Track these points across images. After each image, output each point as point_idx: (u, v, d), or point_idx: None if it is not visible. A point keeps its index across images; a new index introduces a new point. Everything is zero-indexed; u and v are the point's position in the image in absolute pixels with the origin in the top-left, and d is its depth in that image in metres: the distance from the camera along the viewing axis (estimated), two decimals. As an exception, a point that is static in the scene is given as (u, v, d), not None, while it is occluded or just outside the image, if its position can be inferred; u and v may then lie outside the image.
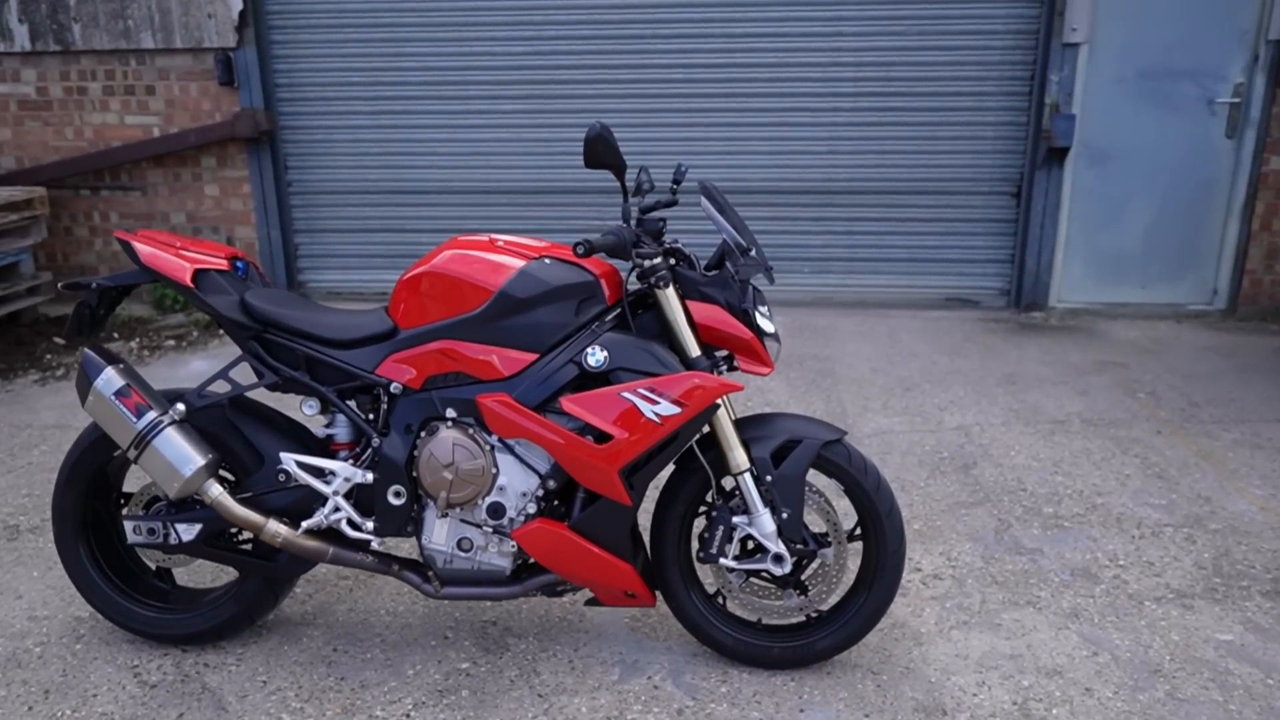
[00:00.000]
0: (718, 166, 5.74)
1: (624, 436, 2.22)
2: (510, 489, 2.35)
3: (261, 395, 3.46)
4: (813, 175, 5.71)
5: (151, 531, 2.47)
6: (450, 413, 2.35)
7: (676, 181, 2.50)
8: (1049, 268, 5.58)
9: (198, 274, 2.42)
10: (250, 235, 5.91)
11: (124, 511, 2.57)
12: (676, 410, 2.22)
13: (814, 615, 2.51)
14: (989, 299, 5.78)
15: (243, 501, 2.43)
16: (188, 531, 2.46)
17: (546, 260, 2.33)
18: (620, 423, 2.22)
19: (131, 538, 2.48)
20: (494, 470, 2.34)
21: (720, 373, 2.38)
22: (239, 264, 2.55)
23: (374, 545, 2.46)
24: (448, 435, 2.35)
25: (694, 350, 2.32)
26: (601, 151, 2.14)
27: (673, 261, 2.36)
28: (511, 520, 2.36)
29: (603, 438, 2.24)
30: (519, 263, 2.32)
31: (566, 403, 2.24)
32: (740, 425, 2.42)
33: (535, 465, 2.35)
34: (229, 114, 5.66)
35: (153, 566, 2.69)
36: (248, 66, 5.59)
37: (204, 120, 5.71)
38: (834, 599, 2.53)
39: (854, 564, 2.63)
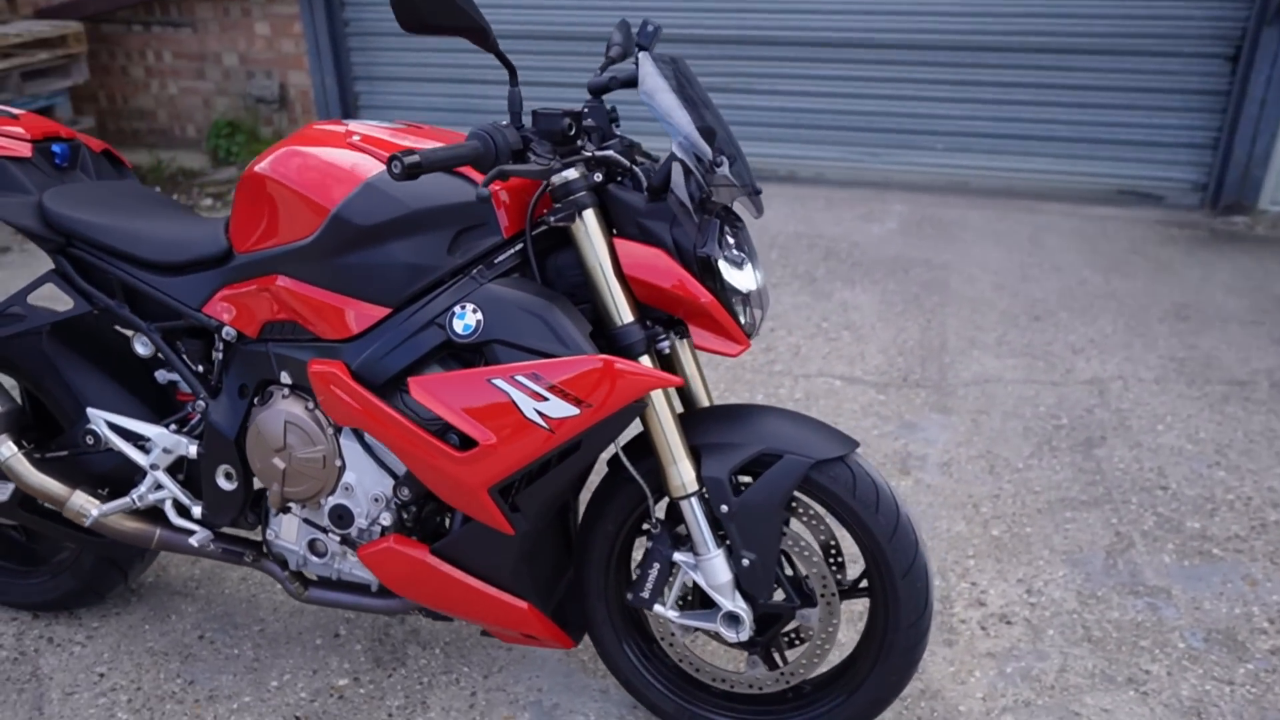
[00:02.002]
0: (836, 14, 4.63)
1: (492, 442, 1.49)
2: (359, 491, 1.69)
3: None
4: (957, 26, 4.52)
5: (-37, 485, 1.98)
6: (285, 378, 1.69)
7: (641, 46, 1.66)
8: (1264, 158, 4.26)
9: (-23, 163, 1.80)
10: (304, 82, 5.32)
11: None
12: (572, 411, 1.46)
13: (793, 687, 1.78)
14: (1177, 195, 4.53)
15: (50, 464, 1.88)
16: (1, 490, 1.96)
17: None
18: (488, 422, 1.49)
19: (-54, 488, 2.00)
20: (338, 463, 1.68)
21: (664, 351, 1.59)
22: (57, 147, 1.92)
23: (201, 536, 1.86)
24: (281, 409, 1.69)
25: (622, 315, 1.54)
26: (423, 7, 1.31)
27: (599, 177, 1.55)
28: (361, 531, 1.71)
29: (471, 443, 1.52)
30: (369, 170, 1.57)
31: (416, 385, 1.52)
32: (694, 422, 1.64)
33: (391, 464, 1.67)
34: (275, -61, 4.99)
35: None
36: (293, -119, 4.85)
37: (251, -54, 5.06)
38: (822, 668, 1.78)
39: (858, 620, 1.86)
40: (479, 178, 1.56)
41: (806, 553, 1.64)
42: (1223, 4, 4.19)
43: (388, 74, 5.35)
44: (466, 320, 1.52)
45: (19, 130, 1.87)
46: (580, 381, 1.45)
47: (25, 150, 1.85)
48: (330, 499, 1.70)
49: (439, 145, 1.39)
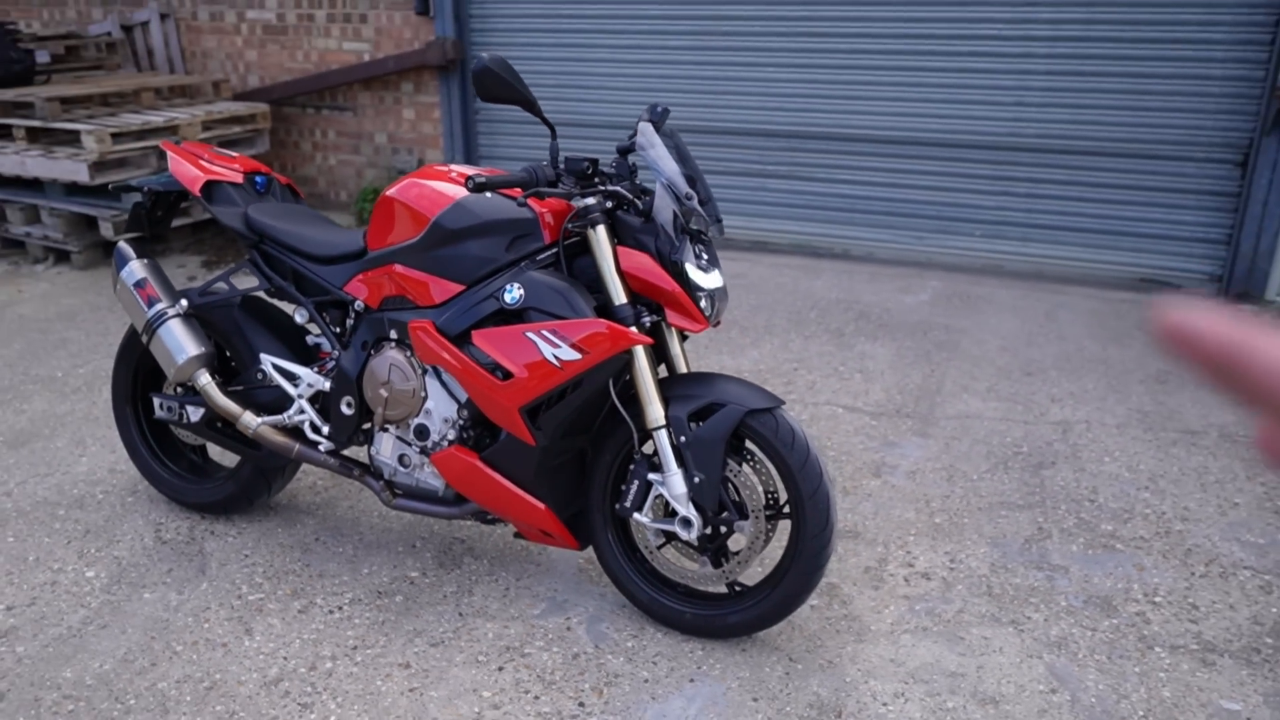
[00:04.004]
0: (887, 115, 5.34)
1: (524, 376, 2.22)
2: (436, 413, 2.43)
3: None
4: (995, 129, 5.17)
5: (169, 409, 2.82)
6: (393, 334, 2.46)
7: (652, 120, 2.41)
8: (1269, 253, 4.70)
9: (210, 184, 2.68)
10: (438, 159, 6.33)
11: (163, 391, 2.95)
12: (577, 356, 2.18)
13: (738, 588, 2.40)
14: (1194, 285, 4.98)
15: (231, 393, 2.70)
16: (195, 413, 2.78)
17: (489, 194, 2.35)
18: (521, 362, 2.22)
19: (157, 412, 2.85)
20: (423, 394, 2.43)
21: (644, 326, 2.29)
22: (259, 178, 2.79)
23: (325, 447, 2.63)
24: (389, 355, 2.46)
25: (618, 298, 2.25)
26: (490, 85, 2.11)
27: (610, 205, 2.29)
28: (435, 444, 2.45)
29: (509, 375, 2.25)
30: (459, 193, 2.35)
31: (477, 336, 2.27)
32: (671, 382, 2.33)
33: (457, 394, 2.41)
34: (424, 43, 6.06)
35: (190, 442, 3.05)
36: (442, -2, 5.93)
37: (405, 48, 6.15)
38: (759, 575, 2.39)
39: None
40: (532, 202, 2.32)
41: (745, 481, 2.28)
42: (1232, 116, 4.71)
43: (507, 155, 6.32)
44: (514, 294, 2.26)
45: (236, 166, 2.75)
46: (583, 336, 2.17)
47: (238, 178, 2.72)
48: (415, 420, 2.45)
49: (502, 173, 2.16)
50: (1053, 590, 2.61)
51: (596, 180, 2.28)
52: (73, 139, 5.28)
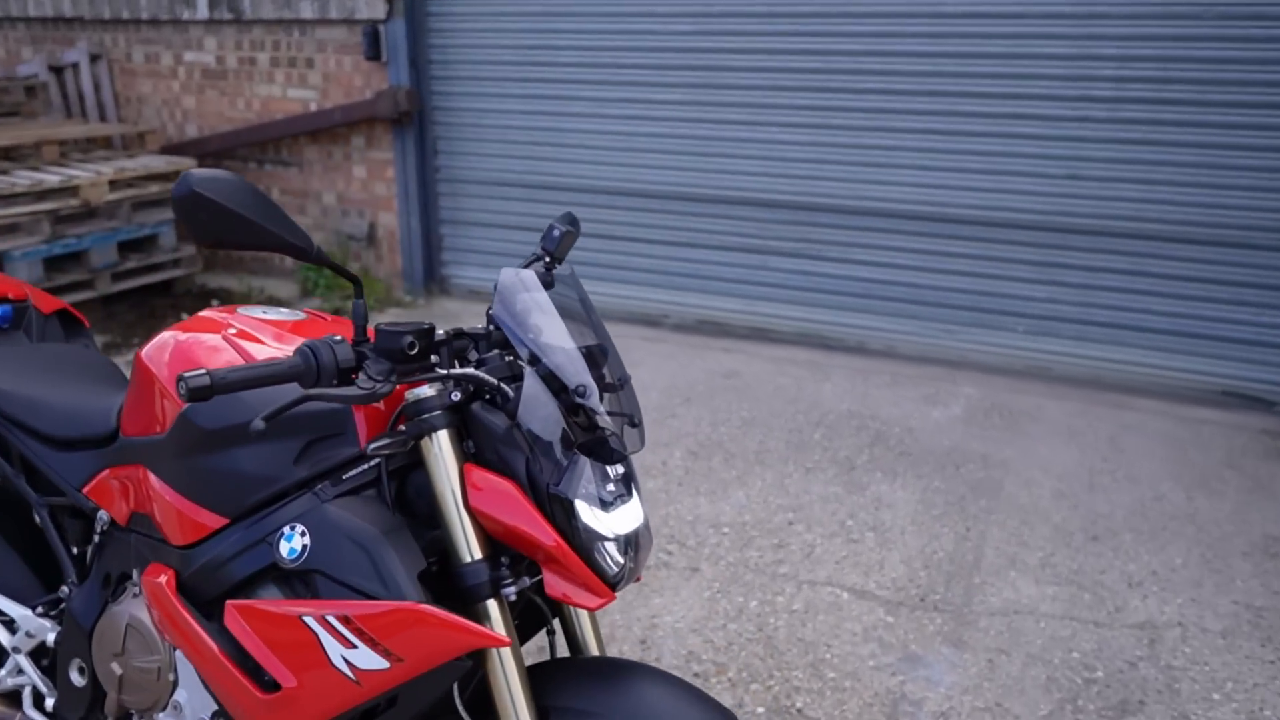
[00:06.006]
0: (914, 185, 4.46)
1: (293, 685, 1.33)
2: (188, 712, 1.54)
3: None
4: (1044, 206, 4.27)
5: None
6: (136, 575, 1.59)
7: (550, 257, 1.56)
8: (1392, 371, 3.76)
9: (-88, 323, 1.83)
10: (392, 223, 5.51)
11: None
12: (382, 665, 1.28)
13: None
14: (1290, 401, 4.04)
15: (-70, 632, 1.83)
16: (-107, 650, 1.91)
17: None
18: (294, 663, 1.33)
19: None
20: (172, 678, 1.55)
21: (507, 598, 1.40)
22: (5, 310, 1.94)
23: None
24: (125, 609, 1.58)
25: (471, 551, 1.36)
26: (201, 219, 1.23)
27: (457, 396, 1.40)
28: (189, 756, 1.56)
29: (277, 685, 1.36)
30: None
31: (230, 609, 1.38)
32: (560, 678, 1.43)
33: (217, 685, 1.52)
34: (375, 91, 5.26)
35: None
36: (396, 41, 5.14)
37: (356, 96, 5.36)
38: None
39: None
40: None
41: None
42: (1341, 199, 3.80)
43: (471, 219, 5.49)
44: (294, 544, 1.37)
45: (-31, 294, 1.91)
46: (389, 630, 1.28)
47: (-38, 313, 1.87)
48: (161, 715, 1.56)
49: (256, 362, 1.28)
50: None
51: (434, 359, 1.40)
52: (-51, 202, 4.50)
